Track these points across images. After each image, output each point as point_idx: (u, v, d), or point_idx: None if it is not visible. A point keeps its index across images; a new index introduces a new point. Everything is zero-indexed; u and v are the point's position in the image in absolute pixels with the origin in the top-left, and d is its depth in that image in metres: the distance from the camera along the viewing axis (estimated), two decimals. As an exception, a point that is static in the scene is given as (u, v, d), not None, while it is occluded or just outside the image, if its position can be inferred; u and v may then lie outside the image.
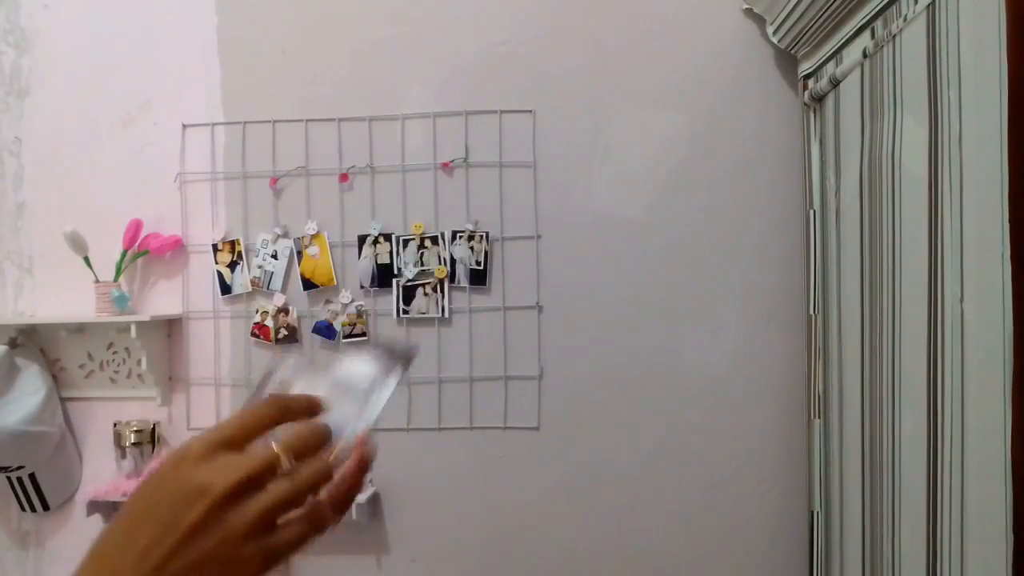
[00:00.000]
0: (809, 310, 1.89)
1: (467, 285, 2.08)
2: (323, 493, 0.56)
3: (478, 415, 2.10)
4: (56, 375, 2.20)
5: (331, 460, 0.57)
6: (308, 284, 2.12)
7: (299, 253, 2.13)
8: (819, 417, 1.85)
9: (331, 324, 2.11)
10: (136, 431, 2.13)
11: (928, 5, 1.20)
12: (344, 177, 2.12)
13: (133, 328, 2.02)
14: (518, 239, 2.08)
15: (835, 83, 1.66)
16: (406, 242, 2.10)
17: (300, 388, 0.62)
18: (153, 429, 2.16)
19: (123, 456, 2.13)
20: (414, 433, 2.12)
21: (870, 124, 1.48)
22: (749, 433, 2.03)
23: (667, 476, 2.05)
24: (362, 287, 2.11)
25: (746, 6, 1.99)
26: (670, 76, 2.04)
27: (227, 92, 2.17)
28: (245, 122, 2.15)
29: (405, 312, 2.09)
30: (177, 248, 2.17)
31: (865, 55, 1.47)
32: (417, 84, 2.11)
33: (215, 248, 2.16)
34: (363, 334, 2.11)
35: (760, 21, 1.98)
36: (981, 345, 1.06)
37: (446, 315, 2.09)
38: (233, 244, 2.15)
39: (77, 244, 2.08)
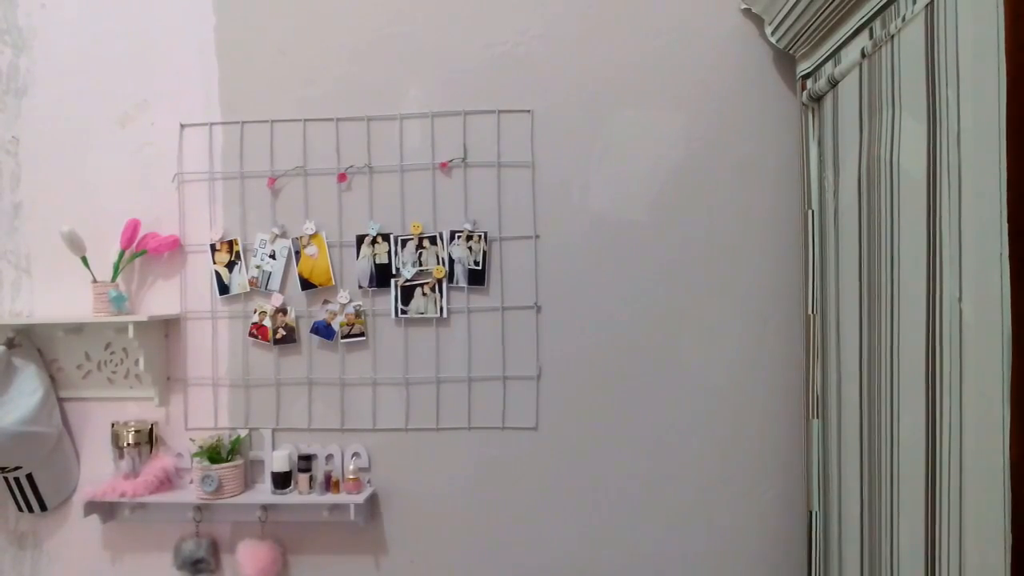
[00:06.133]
0: (807, 310, 1.89)
1: (465, 285, 2.08)
2: None
3: (476, 415, 2.10)
4: (54, 375, 2.19)
5: None
6: (306, 284, 2.12)
7: (297, 253, 2.12)
8: (818, 417, 1.85)
9: (329, 324, 2.11)
10: (134, 431, 2.12)
11: (927, 5, 1.20)
12: (342, 177, 2.12)
13: (131, 328, 2.02)
14: (516, 239, 2.08)
15: (833, 83, 1.66)
16: (404, 242, 2.09)
17: None
18: (151, 429, 2.16)
19: (121, 456, 2.12)
20: (412, 433, 2.12)
21: (868, 124, 1.48)
22: (748, 433, 2.03)
23: (665, 476, 2.05)
24: (360, 287, 2.11)
25: (744, 6, 1.99)
26: (668, 76, 2.04)
27: (225, 92, 2.16)
28: (243, 122, 2.15)
29: (403, 312, 2.09)
30: (175, 248, 2.16)
31: (863, 55, 1.47)
32: (415, 84, 2.10)
33: (213, 248, 2.15)
34: (361, 334, 2.10)
35: (758, 21, 1.98)
36: (979, 345, 1.06)
37: (444, 315, 2.08)
38: (231, 244, 2.14)
39: (74, 244, 2.07)
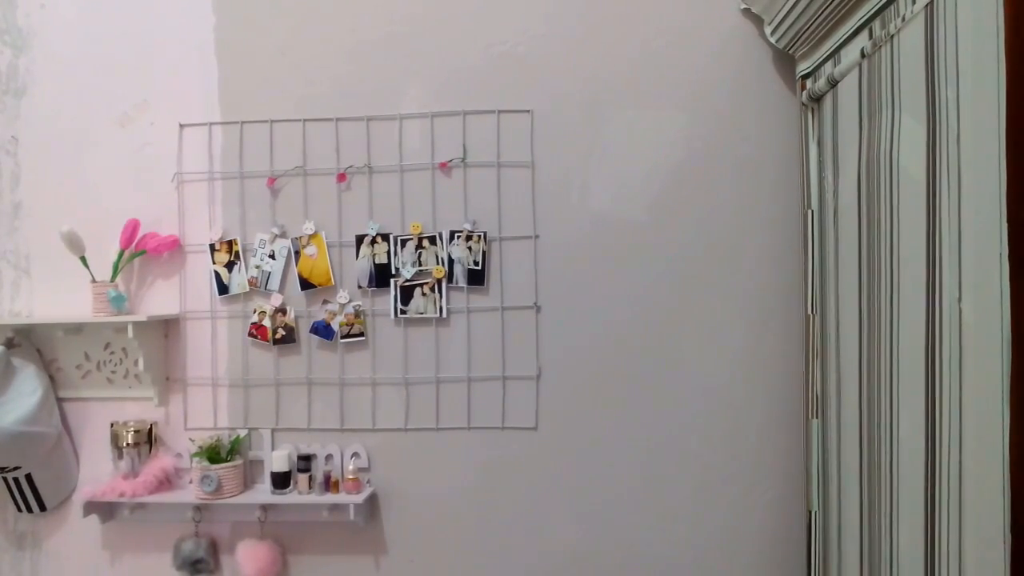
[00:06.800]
0: (807, 310, 1.89)
1: (465, 285, 2.08)
2: None
3: (476, 415, 2.09)
4: (53, 375, 2.19)
5: None
6: (306, 284, 2.12)
7: (297, 253, 2.12)
8: (817, 417, 1.85)
9: (329, 324, 2.11)
10: (133, 431, 2.12)
11: (926, 5, 1.20)
12: (342, 177, 2.12)
13: (130, 328, 2.02)
14: (516, 239, 2.08)
15: (833, 83, 1.66)
16: (404, 242, 2.09)
17: None
18: (150, 429, 2.16)
19: (120, 456, 2.12)
20: (412, 433, 2.11)
21: (868, 124, 1.48)
22: (747, 433, 2.03)
23: (664, 476, 2.05)
24: (360, 287, 2.11)
25: (744, 6, 1.99)
26: (668, 76, 2.04)
27: (224, 92, 2.16)
28: (242, 122, 2.15)
29: (403, 312, 2.09)
30: (174, 248, 2.16)
31: (863, 55, 1.47)
32: (415, 84, 2.10)
33: (212, 248, 2.15)
34: (361, 334, 2.10)
35: (758, 21, 1.98)
36: (979, 345, 1.06)
37: (444, 315, 2.08)
38: (230, 244, 2.14)
39: (74, 244, 2.07)
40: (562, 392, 2.07)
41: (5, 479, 2.09)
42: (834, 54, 1.66)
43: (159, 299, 2.19)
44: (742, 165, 2.02)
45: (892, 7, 1.36)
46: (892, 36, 1.34)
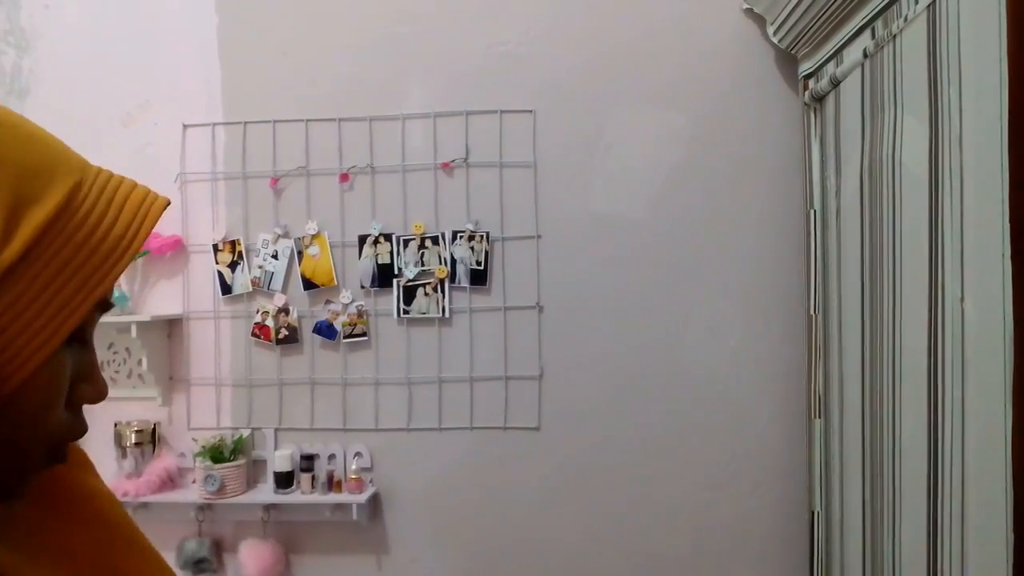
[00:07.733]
0: (809, 310, 1.89)
1: (467, 285, 2.08)
2: None
3: (478, 415, 2.10)
4: (57, 375, 2.19)
5: None
6: (308, 284, 2.12)
7: (299, 253, 2.13)
8: (819, 417, 1.85)
9: (332, 324, 2.11)
10: (137, 431, 2.13)
11: (928, 5, 1.21)
12: (344, 177, 2.12)
13: (133, 328, 2.02)
14: (518, 239, 2.08)
15: (835, 83, 1.66)
16: (406, 242, 2.10)
17: None
18: (154, 429, 2.16)
19: (124, 456, 2.13)
20: (414, 433, 2.12)
21: (870, 124, 1.48)
22: (749, 433, 2.03)
23: (667, 476, 2.05)
24: (363, 287, 2.11)
25: (746, 6, 1.99)
26: (670, 76, 2.04)
27: (227, 92, 2.17)
28: (245, 122, 2.15)
29: (406, 312, 2.09)
30: (177, 248, 2.17)
31: (865, 55, 1.47)
32: (418, 84, 2.11)
33: (216, 248, 2.16)
34: (363, 334, 2.11)
35: (760, 21, 1.98)
36: (981, 345, 1.06)
37: (446, 315, 2.09)
38: (233, 244, 2.15)
39: (78, 244, 2.07)
40: (564, 392, 2.07)
41: (9, 478, 2.09)
42: (836, 54, 1.66)
43: (162, 299, 2.19)
44: (744, 165, 2.02)
45: (894, 7, 1.36)
46: (894, 36, 1.34)
